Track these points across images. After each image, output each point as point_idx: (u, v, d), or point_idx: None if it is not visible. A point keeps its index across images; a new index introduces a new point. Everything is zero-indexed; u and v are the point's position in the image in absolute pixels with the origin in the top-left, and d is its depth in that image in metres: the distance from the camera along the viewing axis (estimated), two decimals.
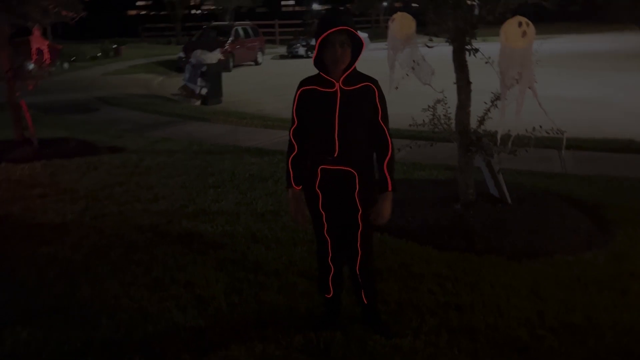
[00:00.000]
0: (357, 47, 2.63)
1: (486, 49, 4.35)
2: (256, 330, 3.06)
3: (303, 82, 2.74)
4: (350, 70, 2.65)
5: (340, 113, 2.64)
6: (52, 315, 3.25)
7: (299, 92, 2.73)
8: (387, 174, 2.74)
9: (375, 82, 2.73)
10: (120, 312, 3.26)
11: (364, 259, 2.89)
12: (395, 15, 4.60)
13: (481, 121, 4.61)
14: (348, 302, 3.20)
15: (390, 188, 2.74)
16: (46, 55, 7.07)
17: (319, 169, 2.75)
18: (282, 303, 3.32)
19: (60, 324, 3.16)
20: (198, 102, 12.31)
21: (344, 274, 3.05)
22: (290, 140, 2.83)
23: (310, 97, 2.69)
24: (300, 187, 2.83)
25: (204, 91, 12.40)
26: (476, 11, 4.20)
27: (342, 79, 2.65)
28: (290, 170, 2.83)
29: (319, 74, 2.69)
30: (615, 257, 3.95)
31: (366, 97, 2.68)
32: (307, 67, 4.31)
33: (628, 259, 3.90)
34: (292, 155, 2.83)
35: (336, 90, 2.65)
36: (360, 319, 3.08)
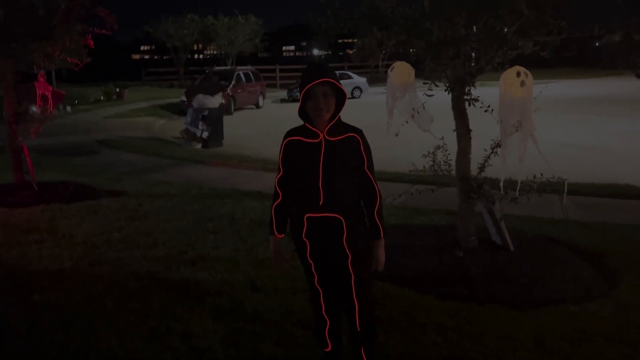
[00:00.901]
0: (340, 98, 2.66)
1: (484, 94, 4.40)
2: None
3: (289, 133, 2.76)
4: (334, 120, 2.67)
5: (324, 162, 2.65)
6: None
7: (285, 142, 2.75)
8: (378, 222, 2.75)
9: (360, 132, 2.75)
10: None
11: (362, 311, 2.81)
12: (394, 64, 4.67)
13: (482, 168, 4.62)
14: (348, 355, 3.11)
15: (382, 235, 2.76)
16: (50, 101, 7.15)
17: (305, 218, 2.73)
18: (281, 355, 3.23)
19: None
20: (199, 145, 12.40)
21: (341, 326, 2.97)
22: (275, 189, 2.83)
23: (295, 148, 2.71)
24: (282, 235, 2.84)
25: (205, 134, 12.51)
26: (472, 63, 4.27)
27: (326, 129, 2.67)
28: (274, 217, 2.84)
29: (304, 125, 2.71)
30: (620, 307, 3.88)
31: (351, 147, 2.70)
32: None
33: (633, 309, 3.83)
34: (276, 203, 2.82)
35: (320, 140, 2.67)
36: None
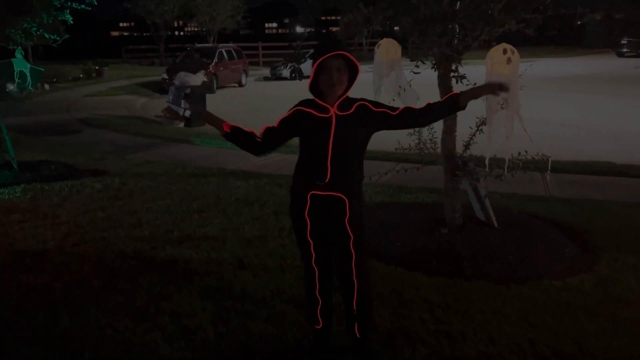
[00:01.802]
0: (353, 73, 2.63)
1: (470, 71, 4.40)
2: None
3: (301, 102, 2.70)
4: (344, 96, 2.65)
5: (335, 139, 2.62)
6: (33, 348, 3.14)
7: (295, 109, 2.69)
8: (445, 99, 2.80)
9: (365, 99, 2.75)
10: (103, 344, 3.16)
11: (361, 291, 2.83)
12: (381, 41, 4.64)
13: (467, 146, 4.64)
14: (337, 331, 3.14)
15: (457, 92, 2.79)
16: (28, 78, 6.98)
17: (308, 195, 2.71)
18: (270, 333, 3.25)
19: (42, 356, 3.05)
20: (182, 124, 12.26)
21: (334, 304, 3.00)
22: (260, 131, 2.73)
23: (305, 119, 2.66)
24: (230, 128, 2.68)
25: (187, 113, 12.31)
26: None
27: (336, 104, 2.64)
28: (245, 130, 2.70)
29: (314, 99, 2.67)
30: (602, 281, 3.97)
31: (362, 115, 2.68)
32: (291, 89, 4.27)
33: (614, 284, 3.92)
34: (251, 131, 2.71)
35: (331, 115, 2.63)
36: (351, 349, 3.02)
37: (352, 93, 2.74)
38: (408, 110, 2.76)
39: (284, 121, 2.70)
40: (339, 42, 2.61)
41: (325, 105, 2.64)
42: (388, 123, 2.74)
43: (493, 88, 2.78)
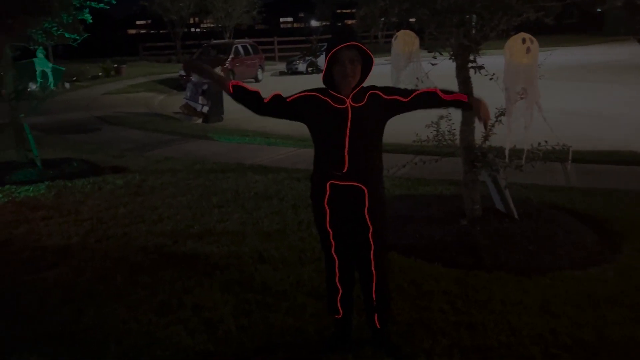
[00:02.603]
0: (367, 65, 2.63)
1: (487, 61, 4.37)
2: (266, 353, 3.03)
3: (318, 90, 2.70)
4: (359, 87, 2.65)
5: (352, 129, 2.62)
6: (59, 341, 3.21)
7: (312, 93, 2.68)
8: (451, 95, 2.82)
9: (374, 86, 2.74)
10: (127, 337, 3.23)
11: (380, 282, 2.85)
12: (398, 33, 4.63)
13: (486, 137, 4.60)
14: (358, 323, 3.16)
15: (466, 97, 2.86)
16: (50, 77, 7.10)
17: (328, 184, 2.73)
18: (291, 325, 3.29)
19: (66, 350, 3.13)
20: (199, 120, 12.35)
21: (354, 295, 3.02)
22: (270, 95, 2.74)
23: (320, 107, 2.65)
24: (233, 88, 2.71)
25: (205, 109, 12.44)
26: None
27: (351, 95, 2.64)
28: (249, 89, 2.72)
29: (328, 90, 2.67)
30: (623, 271, 3.92)
31: (375, 103, 2.68)
32: (306, 83, 4.30)
33: (636, 273, 3.87)
34: (258, 92, 2.71)
35: (347, 107, 2.64)
36: (371, 341, 3.04)
37: (370, 83, 2.74)
38: (419, 95, 2.78)
39: (297, 100, 2.69)
40: (353, 33, 2.60)
41: (341, 96, 2.64)
42: (399, 109, 2.75)
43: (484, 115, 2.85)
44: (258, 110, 2.76)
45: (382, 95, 2.71)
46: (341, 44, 2.51)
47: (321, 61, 5.01)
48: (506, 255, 4.15)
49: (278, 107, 2.73)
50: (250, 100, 2.73)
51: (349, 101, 2.64)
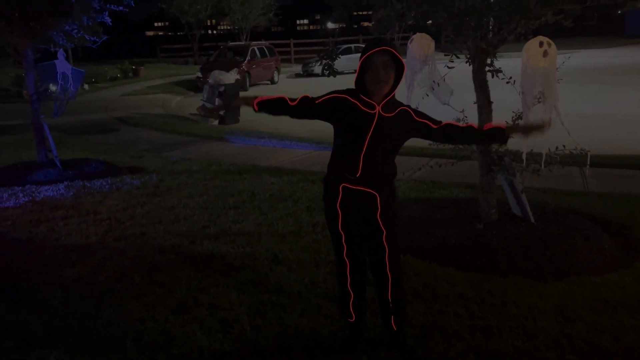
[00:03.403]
0: (399, 72, 2.62)
1: (504, 65, 4.35)
2: (280, 354, 3.06)
3: (348, 91, 2.70)
4: (390, 96, 2.64)
5: (372, 136, 2.63)
6: (78, 337, 3.27)
7: (342, 96, 2.68)
8: (488, 128, 2.80)
9: (409, 106, 2.78)
10: (144, 335, 3.27)
11: (395, 284, 2.86)
12: (414, 36, 4.63)
13: None
14: (373, 325, 3.17)
15: (504, 126, 2.80)
16: (70, 80, 7.22)
17: (340, 187, 2.74)
18: (305, 326, 3.31)
19: (85, 346, 3.18)
20: (216, 122, 12.45)
21: (368, 297, 3.03)
22: (298, 97, 2.78)
23: (348, 109, 2.66)
24: (257, 105, 2.78)
25: (222, 111, 12.52)
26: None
27: (382, 104, 2.64)
28: (274, 97, 2.78)
29: (359, 93, 2.66)
30: None
31: (404, 121, 2.70)
32: (322, 85, 4.30)
33: None
34: (286, 98, 2.77)
35: (375, 113, 2.64)
36: (385, 343, 3.05)
37: None
38: (450, 127, 2.77)
39: (327, 101, 2.71)
40: (385, 40, 2.61)
41: (371, 101, 2.64)
42: (426, 135, 2.78)
43: (541, 129, 2.77)
44: (289, 114, 2.81)
45: (414, 115, 2.73)
46: (374, 48, 2.52)
47: (338, 63, 5.02)
48: (522, 259, 4.13)
49: (306, 108, 2.76)
50: (278, 108, 2.78)
51: (378, 108, 2.64)
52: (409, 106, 2.77)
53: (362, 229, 2.81)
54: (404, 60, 2.61)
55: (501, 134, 2.77)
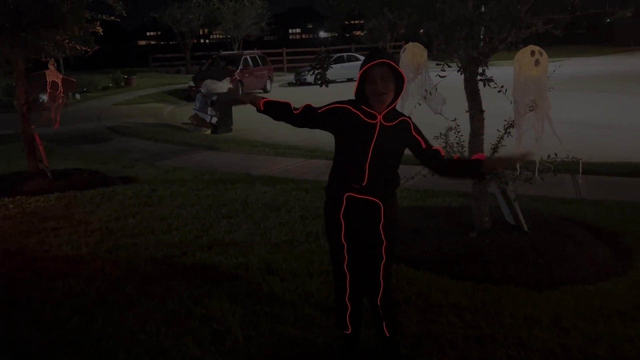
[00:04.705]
0: (399, 82, 2.64)
1: (495, 73, 4.37)
2: None
3: (350, 102, 2.72)
4: (392, 106, 2.66)
5: (376, 145, 2.65)
6: (69, 350, 3.22)
7: (343, 106, 2.71)
8: (465, 159, 2.90)
9: (410, 118, 2.81)
10: (136, 347, 3.23)
11: (385, 291, 2.86)
12: (406, 45, 4.64)
13: (495, 149, 4.60)
14: (367, 335, 3.15)
15: (482, 156, 2.81)
16: (60, 88, 7.18)
17: (344, 197, 2.74)
18: (299, 337, 3.28)
19: (77, 359, 3.13)
20: (209, 131, 12.42)
21: (363, 309, 3.01)
22: (301, 106, 2.82)
23: (350, 120, 2.68)
24: (263, 105, 2.83)
25: (214, 120, 12.52)
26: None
27: (382, 114, 2.66)
28: (276, 100, 2.84)
29: (360, 104, 2.68)
30: (636, 285, 3.88)
31: (403, 131, 2.73)
32: (315, 94, 4.29)
33: None
34: (289, 104, 2.81)
35: (376, 122, 2.66)
36: (379, 353, 3.02)
37: None
38: (436, 155, 2.79)
39: (329, 111, 2.74)
40: (384, 52, 2.65)
41: (372, 111, 2.66)
42: (415, 151, 2.81)
43: (518, 160, 2.80)
44: (291, 122, 2.83)
45: (412, 128, 2.76)
46: (373, 61, 2.54)
47: (330, 72, 5.03)
48: (516, 268, 4.13)
49: (309, 117, 2.79)
50: (281, 113, 2.82)
51: (380, 117, 2.66)
52: (409, 118, 2.80)
53: (363, 239, 2.81)
54: (403, 72, 2.62)
55: (477, 166, 2.73)
